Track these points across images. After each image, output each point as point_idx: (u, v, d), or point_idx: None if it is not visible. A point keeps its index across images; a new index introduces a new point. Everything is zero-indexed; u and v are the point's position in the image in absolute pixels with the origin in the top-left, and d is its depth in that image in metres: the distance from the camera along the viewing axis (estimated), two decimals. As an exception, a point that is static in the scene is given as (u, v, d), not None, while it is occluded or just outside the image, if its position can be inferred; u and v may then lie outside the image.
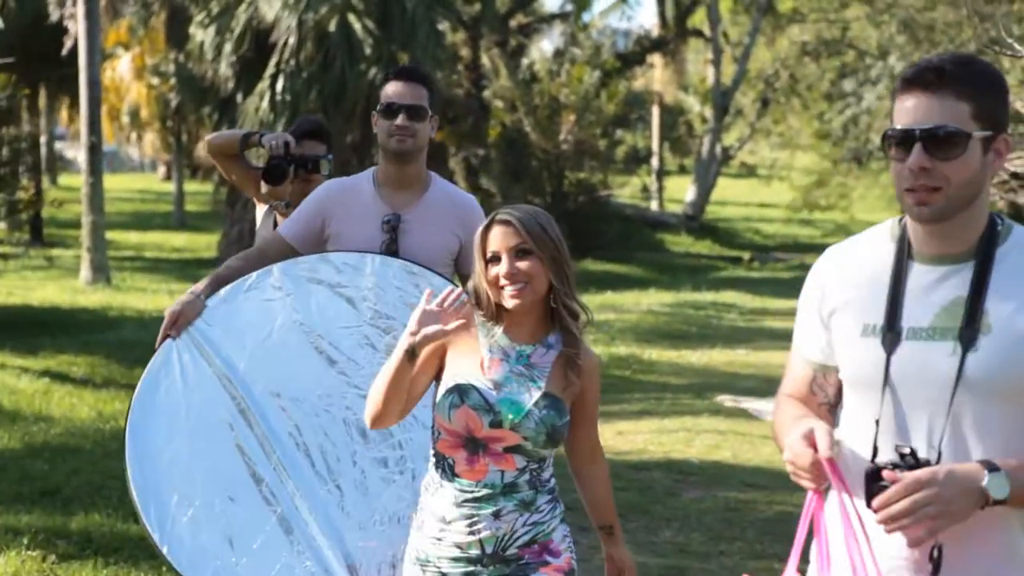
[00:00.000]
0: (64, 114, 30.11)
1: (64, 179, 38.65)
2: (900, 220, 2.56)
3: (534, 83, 27.27)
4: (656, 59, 35.44)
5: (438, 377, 3.18)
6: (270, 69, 20.50)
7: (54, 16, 22.62)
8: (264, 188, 4.94)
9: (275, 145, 4.87)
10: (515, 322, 3.16)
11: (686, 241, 31.46)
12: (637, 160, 32.36)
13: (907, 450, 2.37)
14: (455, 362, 3.15)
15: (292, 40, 20.33)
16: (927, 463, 2.35)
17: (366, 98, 19.80)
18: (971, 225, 2.45)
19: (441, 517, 3.13)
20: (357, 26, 20.45)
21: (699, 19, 36.38)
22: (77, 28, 19.93)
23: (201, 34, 21.03)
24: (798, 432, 2.48)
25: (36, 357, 12.02)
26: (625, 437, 9.31)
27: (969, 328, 2.39)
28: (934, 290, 2.46)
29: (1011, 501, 2.31)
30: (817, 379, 2.64)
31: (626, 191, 31.99)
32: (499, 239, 3.11)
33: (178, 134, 32.39)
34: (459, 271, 4.28)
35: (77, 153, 33.66)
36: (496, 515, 3.09)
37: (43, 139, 29.63)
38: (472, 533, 3.10)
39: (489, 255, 3.12)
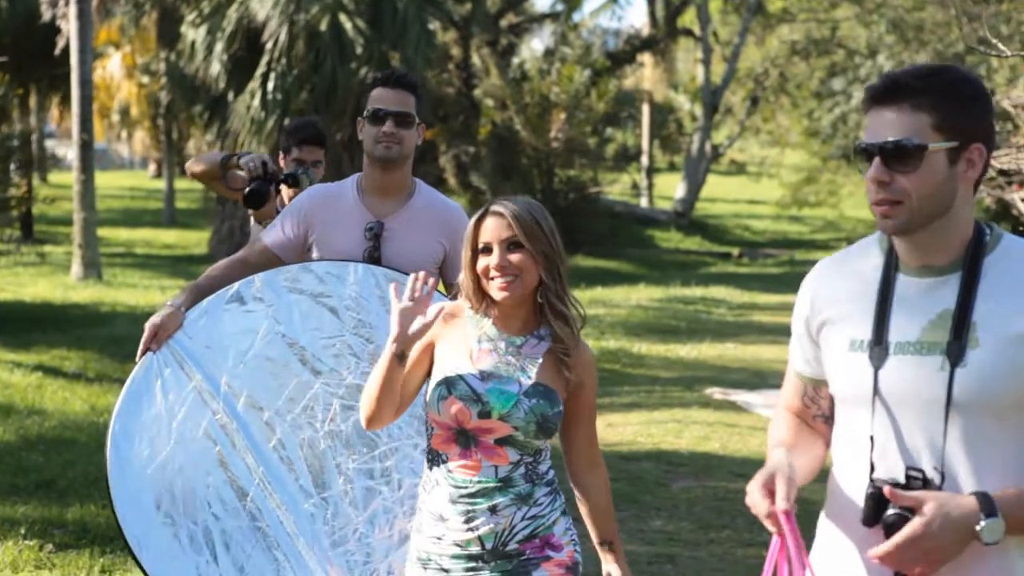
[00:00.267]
0: (55, 112, 30.06)
1: (53, 176, 38.61)
2: None
3: (524, 82, 27.34)
4: (646, 58, 35.47)
5: (431, 373, 3.16)
6: (261, 68, 20.54)
7: (46, 16, 22.64)
8: (250, 212, 4.97)
9: (253, 167, 4.83)
10: (505, 314, 3.13)
11: (675, 237, 31.52)
12: (627, 158, 32.56)
13: (916, 473, 2.36)
14: (444, 355, 3.13)
15: (283, 39, 20.37)
16: (932, 484, 2.34)
17: (357, 97, 19.82)
18: (952, 235, 2.41)
19: (439, 515, 3.10)
20: (348, 25, 20.50)
21: (689, 19, 36.47)
22: (69, 28, 19.96)
23: (192, 33, 21.05)
24: (760, 477, 2.44)
25: (29, 352, 12.05)
26: (615, 429, 9.39)
27: (957, 342, 2.35)
28: (921, 302, 2.41)
29: (1008, 531, 2.30)
30: (808, 392, 2.64)
31: (616, 188, 32.13)
32: (492, 230, 3.07)
33: (169, 132, 32.40)
34: (445, 280, 4.24)
35: (67, 151, 33.63)
36: (493, 510, 3.05)
37: (34, 137, 29.59)
38: (470, 530, 3.06)
39: (481, 245, 3.09)
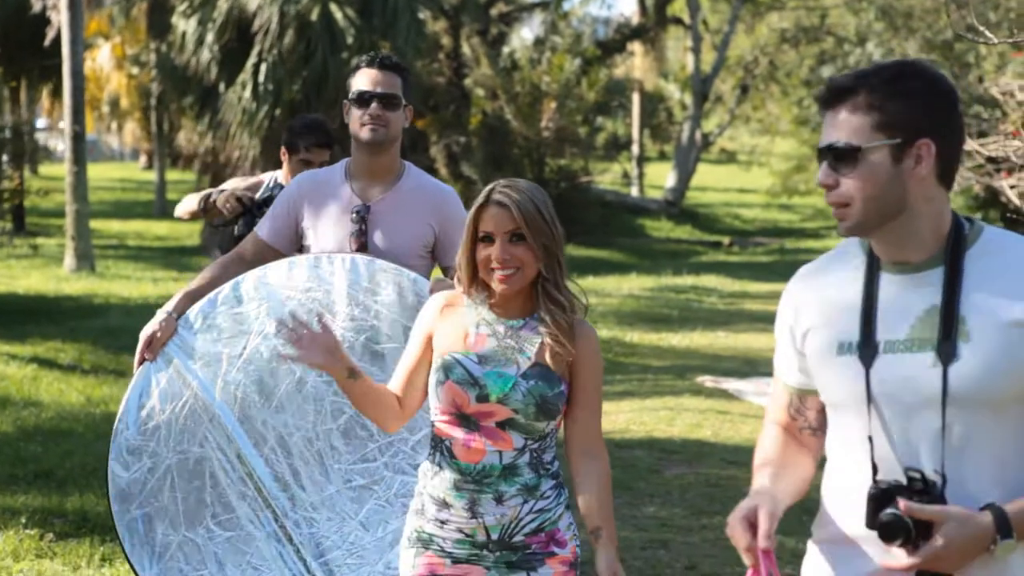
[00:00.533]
0: (45, 104, 30.02)
1: (44, 168, 38.54)
2: None
3: (515, 71, 27.36)
4: (636, 47, 35.48)
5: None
6: (252, 58, 20.53)
7: (37, 7, 22.62)
8: None
9: (231, 208, 4.92)
10: (504, 298, 3.11)
11: (666, 226, 31.56)
12: (617, 147, 32.50)
13: (916, 474, 2.33)
14: (442, 343, 3.13)
15: (274, 29, 20.38)
16: (934, 485, 2.32)
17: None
18: (921, 231, 2.38)
19: (442, 501, 3.08)
20: (338, 15, 20.50)
21: (679, 7, 36.46)
22: (60, 18, 19.94)
23: (183, 24, 21.03)
24: (743, 509, 2.41)
25: (23, 344, 12.08)
26: (608, 417, 9.46)
27: (947, 338, 2.32)
28: (906, 299, 2.39)
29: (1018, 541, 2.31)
30: (794, 403, 2.59)
31: (607, 177, 32.11)
32: (495, 221, 3.04)
33: (159, 123, 32.34)
34: (440, 264, 4.21)
35: (57, 143, 33.56)
36: (498, 500, 3.04)
37: (25, 129, 29.54)
38: (474, 517, 3.05)
39: (482, 234, 3.06)
